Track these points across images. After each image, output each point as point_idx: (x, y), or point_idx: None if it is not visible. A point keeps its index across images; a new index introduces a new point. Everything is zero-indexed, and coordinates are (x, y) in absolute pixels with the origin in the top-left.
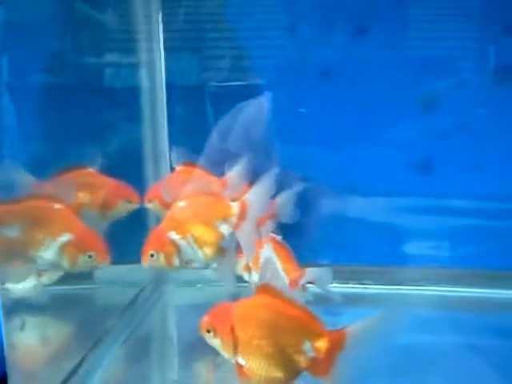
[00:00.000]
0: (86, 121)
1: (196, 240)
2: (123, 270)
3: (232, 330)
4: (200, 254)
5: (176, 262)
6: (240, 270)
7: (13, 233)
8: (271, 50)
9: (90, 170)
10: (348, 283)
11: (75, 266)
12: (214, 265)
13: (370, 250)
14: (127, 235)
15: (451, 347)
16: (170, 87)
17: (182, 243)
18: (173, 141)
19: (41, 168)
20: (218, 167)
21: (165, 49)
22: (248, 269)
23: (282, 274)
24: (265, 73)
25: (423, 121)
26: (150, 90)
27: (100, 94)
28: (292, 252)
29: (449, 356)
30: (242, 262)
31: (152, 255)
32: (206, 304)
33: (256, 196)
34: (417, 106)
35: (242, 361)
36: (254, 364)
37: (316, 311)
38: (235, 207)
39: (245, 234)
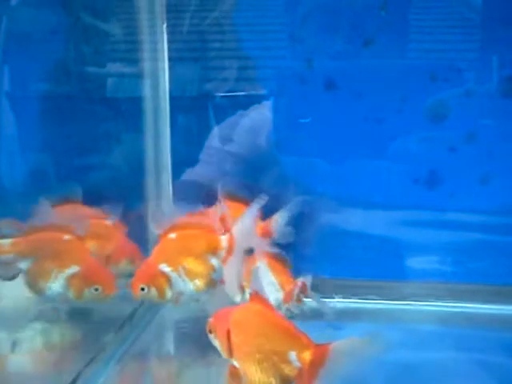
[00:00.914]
0: (88, 131)
1: (187, 272)
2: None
3: (228, 333)
4: (191, 286)
5: (168, 294)
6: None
7: (26, 265)
8: (275, 61)
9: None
10: (349, 298)
11: (81, 299)
12: (204, 297)
13: (372, 264)
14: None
15: (452, 363)
16: (173, 97)
17: (174, 275)
18: (175, 151)
19: (40, 178)
20: (215, 167)
21: (169, 59)
22: (241, 288)
23: (277, 287)
24: (268, 83)
25: (429, 132)
26: (154, 99)
27: (103, 103)
28: (289, 264)
29: (450, 372)
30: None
31: (143, 289)
32: (204, 318)
33: (242, 228)
34: (423, 118)
35: (236, 364)
36: (246, 368)
37: (316, 325)
38: (224, 241)
39: (232, 269)
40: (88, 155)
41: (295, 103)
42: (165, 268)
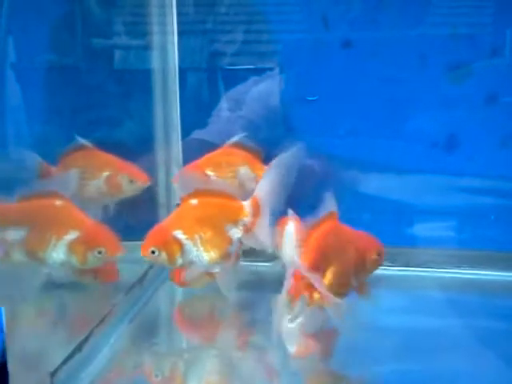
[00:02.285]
0: (96, 103)
1: (203, 242)
2: (133, 247)
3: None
4: (205, 256)
5: (179, 261)
6: None
7: (19, 235)
8: (286, 34)
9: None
10: None
11: (86, 264)
12: (217, 269)
13: (386, 230)
14: (137, 212)
15: (461, 330)
16: (182, 69)
17: (188, 244)
18: (184, 124)
19: (47, 149)
20: (223, 136)
21: (178, 32)
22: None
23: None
24: (278, 56)
25: (449, 94)
26: (163, 72)
27: (112, 76)
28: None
29: (458, 339)
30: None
31: (153, 252)
32: (213, 284)
33: (266, 189)
34: (444, 79)
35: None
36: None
37: None
38: (247, 207)
39: (262, 231)
40: (96, 128)
41: (308, 69)
42: (179, 235)
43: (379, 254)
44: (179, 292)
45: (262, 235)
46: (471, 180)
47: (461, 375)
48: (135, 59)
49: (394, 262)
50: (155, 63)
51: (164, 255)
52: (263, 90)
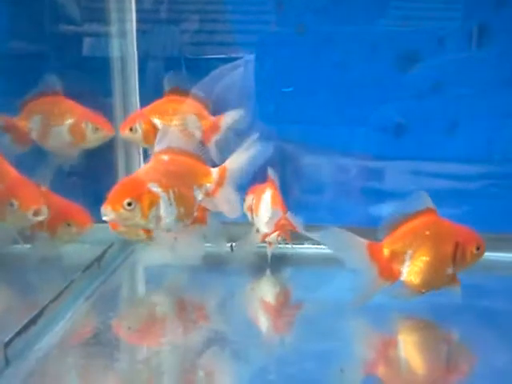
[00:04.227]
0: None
1: (176, 197)
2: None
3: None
4: (175, 212)
5: (151, 215)
6: (245, 208)
7: None
8: (250, 24)
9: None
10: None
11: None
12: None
13: (342, 211)
14: (96, 193)
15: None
16: (142, 58)
17: (164, 197)
18: None
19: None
20: None
21: (137, 19)
22: (251, 209)
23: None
24: (241, 46)
25: (398, 81)
26: (122, 61)
27: (71, 64)
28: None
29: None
30: (248, 201)
31: (130, 204)
32: (173, 264)
33: (236, 161)
34: (394, 67)
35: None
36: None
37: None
38: (214, 173)
39: (224, 200)
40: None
41: (266, 56)
42: (155, 187)
43: (479, 248)
44: (138, 271)
45: (225, 203)
46: (420, 164)
47: None
48: (95, 46)
49: None
50: (115, 51)
51: (138, 208)
52: (230, 80)
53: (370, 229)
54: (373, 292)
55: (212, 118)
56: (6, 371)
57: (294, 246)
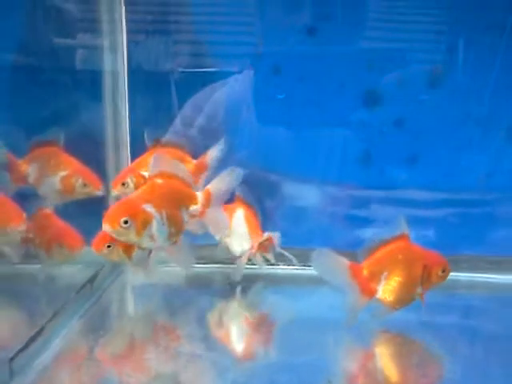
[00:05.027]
0: (49, 101)
1: (168, 218)
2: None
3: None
4: (166, 232)
5: (145, 234)
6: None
7: None
8: (237, 37)
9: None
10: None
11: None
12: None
13: (317, 235)
14: (88, 220)
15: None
16: (132, 71)
17: (157, 216)
18: (134, 126)
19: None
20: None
21: (127, 32)
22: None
23: (248, 237)
24: (228, 60)
25: (364, 116)
26: (113, 73)
27: (63, 75)
28: (258, 218)
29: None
30: None
31: (126, 222)
32: (162, 284)
33: (220, 185)
34: (360, 102)
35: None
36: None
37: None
38: (200, 197)
39: (213, 219)
40: (47, 128)
41: (248, 84)
42: (149, 208)
43: (444, 270)
44: (128, 291)
45: (213, 222)
46: (382, 192)
47: None
48: (86, 60)
49: None
50: (106, 65)
51: (133, 227)
52: (219, 99)
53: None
54: (358, 308)
55: (194, 161)
56: (10, 383)
57: (280, 264)
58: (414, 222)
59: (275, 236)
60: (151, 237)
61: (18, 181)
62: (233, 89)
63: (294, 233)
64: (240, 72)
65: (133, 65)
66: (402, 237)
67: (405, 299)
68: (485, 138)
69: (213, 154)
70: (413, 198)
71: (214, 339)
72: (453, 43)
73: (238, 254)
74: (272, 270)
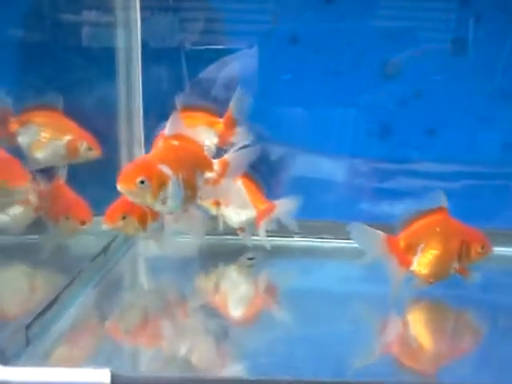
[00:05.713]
0: (60, 78)
1: (183, 180)
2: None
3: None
4: (182, 194)
5: (160, 196)
6: (208, 204)
7: None
8: (249, 15)
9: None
10: (307, 237)
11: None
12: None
13: (330, 208)
14: (101, 191)
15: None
16: (145, 47)
17: (173, 178)
18: (147, 101)
19: None
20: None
21: (141, 8)
22: (217, 203)
23: (250, 205)
24: (240, 37)
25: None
26: (126, 49)
27: (75, 52)
28: (261, 187)
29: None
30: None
31: (142, 182)
32: (175, 256)
33: (237, 157)
34: (379, 74)
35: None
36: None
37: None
38: (216, 165)
39: (227, 189)
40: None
41: (263, 57)
42: (166, 169)
43: (483, 247)
44: (141, 261)
45: (227, 192)
46: (402, 164)
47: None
48: (100, 36)
49: (336, 234)
50: (119, 41)
51: (149, 188)
52: (233, 71)
53: None
54: (398, 280)
55: (221, 120)
56: (26, 350)
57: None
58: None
59: (287, 203)
60: (166, 199)
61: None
62: (246, 62)
63: (312, 205)
64: (251, 47)
65: (146, 41)
66: (440, 210)
67: (440, 273)
68: (504, 110)
69: (234, 105)
70: (431, 169)
71: (229, 312)
72: (475, 15)
73: (237, 226)
74: (288, 242)
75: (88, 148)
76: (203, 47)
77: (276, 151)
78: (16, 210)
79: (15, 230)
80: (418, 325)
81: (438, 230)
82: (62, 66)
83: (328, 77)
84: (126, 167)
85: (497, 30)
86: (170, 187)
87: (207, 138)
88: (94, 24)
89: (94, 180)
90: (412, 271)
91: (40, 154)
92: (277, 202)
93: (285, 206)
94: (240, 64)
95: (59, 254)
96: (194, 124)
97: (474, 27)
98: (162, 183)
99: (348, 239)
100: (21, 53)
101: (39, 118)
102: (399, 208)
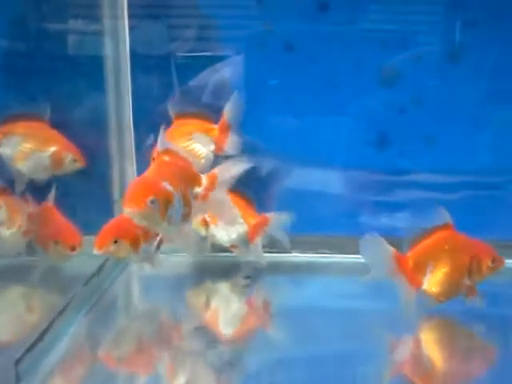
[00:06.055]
0: (47, 89)
1: (183, 197)
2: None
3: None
4: (182, 212)
5: (168, 215)
6: (196, 224)
7: None
8: (238, 21)
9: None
10: (306, 252)
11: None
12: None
13: (327, 221)
14: (93, 208)
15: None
16: (134, 56)
17: (176, 195)
18: (137, 112)
19: None
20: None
21: (129, 16)
22: (205, 223)
23: (241, 220)
24: (231, 44)
25: (381, 96)
26: (114, 58)
27: (63, 62)
28: (252, 203)
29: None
30: (198, 217)
31: (153, 202)
32: (169, 274)
33: (227, 170)
34: (376, 82)
35: None
36: None
37: (276, 280)
38: (204, 179)
39: (216, 203)
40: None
41: (256, 65)
42: (168, 186)
43: (494, 261)
44: (135, 282)
45: (216, 208)
46: (401, 175)
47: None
48: (87, 45)
49: (333, 249)
50: (107, 49)
51: (159, 208)
52: (224, 78)
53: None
54: (410, 299)
55: (216, 126)
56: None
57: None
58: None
59: (277, 217)
60: (171, 218)
61: None
62: (235, 69)
63: (308, 219)
64: (240, 54)
65: (134, 49)
66: (445, 226)
67: (451, 291)
68: (504, 117)
69: (229, 110)
70: (430, 180)
71: (226, 333)
72: (472, 20)
73: (228, 245)
74: (284, 258)
75: (73, 160)
76: (194, 54)
77: (268, 163)
78: (2, 234)
79: (4, 254)
80: (428, 343)
81: (447, 247)
82: (48, 76)
83: (323, 85)
84: (130, 189)
85: (495, 36)
86: (175, 204)
87: (203, 145)
88: (81, 33)
89: (85, 195)
90: (423, 290)
91: (23, 166)
92: (269, 215)
93: (278, 219)
94: (229, 71)
95: (52, 274)
96: (189, 131)
97: (471, 33)
98: (168, 202)
99: (346, 254)
100: (5, 63)
101: (22, 128)
102: (398, 221)
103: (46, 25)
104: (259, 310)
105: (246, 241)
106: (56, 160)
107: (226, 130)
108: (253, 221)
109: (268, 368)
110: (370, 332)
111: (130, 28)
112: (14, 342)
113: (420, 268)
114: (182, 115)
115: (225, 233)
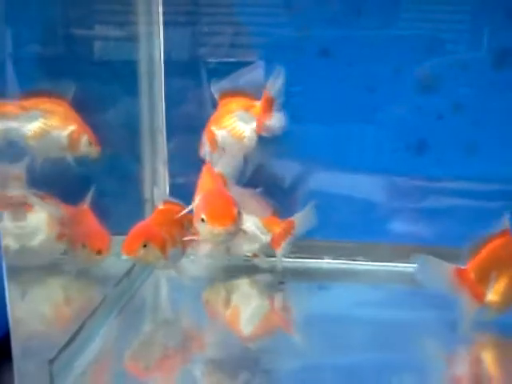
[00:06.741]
0: (82, 94)
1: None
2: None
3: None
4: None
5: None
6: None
7: None
8: (270, 28)
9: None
10: (337, 259)
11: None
12: None
13: (359, 227)
14: (123, 208)
15: (431, 322)
16: (167, 61)
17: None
18: (169, 114)
19: None
20: None
21: (163, 23)
22: None
23: (264, 230)
24: (262, 50)
25: (419, 101)
26: (148, 63)
27: (98, 66)
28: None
29: (429, 331)
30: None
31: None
32: (198, 276)
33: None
34: (414, 87)
35: None
36: None
37: (305, 286)
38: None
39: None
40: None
41: (289, 71)
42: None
43: None
44: (163, 283)
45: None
46: (439, 182)
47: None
48: (122, 50)
49: (366, 256)
50: (141, 54)
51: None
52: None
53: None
54: (471, 314)
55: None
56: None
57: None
58: (466, 213)
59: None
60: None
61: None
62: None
63: (343, 225)
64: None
65: (168, 55)
66: (503, 233)
67: None
68: None
69: (271, 86)
70: (468, 188)
71: (255, 340)
72: None
73: (249, 254)
74: (313, 265)
75: (88, 142)
76: (226, 60)
77: (301, 168)
78: (36, 241)
79: (39, 259)
80: (479, 359)
81: (507, 254)
82: (83, 81)
83: (360, 91)
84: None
85: None
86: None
87: (245, 122)
88: (116, 38)
89: (119, 196)
90: (486, 302)
91: (39, 143)
92: (294, 218)
93: (303, 219)
94: (259, 72)
95: (83, 274)
96: (231, 109)
97: None
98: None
99: (381, 261)
100: (41, 68)
101: (43, 104)
102: (436, 228)
103: (82, 30)
104: (288, 317)
105: (267, 248)
106: (72, 140)
107: (268, 106)
108: (278, 228)
109: (299, 376)
110: (398, 342)
111: (164, 34)
112: (49, 338)
113: (483, 279)
114: (225, 94)
115: (247, 242)
